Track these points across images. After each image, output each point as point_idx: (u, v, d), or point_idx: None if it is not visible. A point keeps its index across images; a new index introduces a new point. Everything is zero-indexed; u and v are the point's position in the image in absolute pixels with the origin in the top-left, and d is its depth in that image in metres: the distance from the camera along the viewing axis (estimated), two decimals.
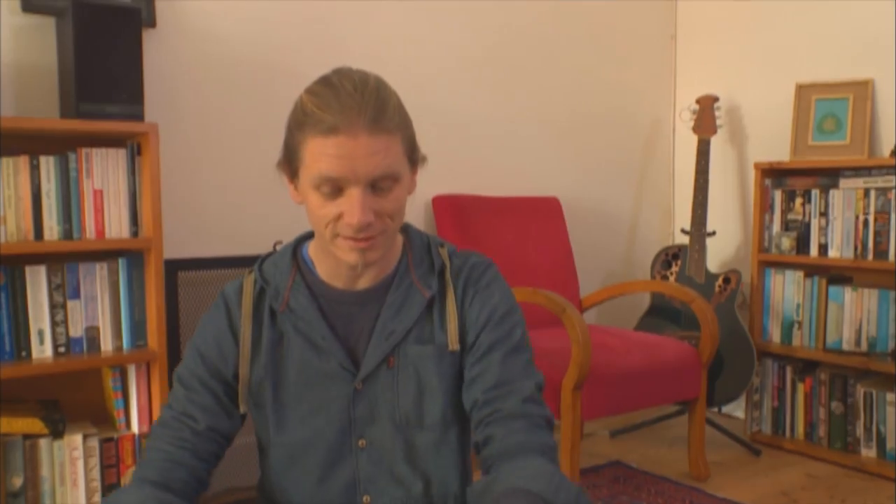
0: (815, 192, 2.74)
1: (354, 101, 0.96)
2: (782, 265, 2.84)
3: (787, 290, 2.81)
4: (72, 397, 2.03)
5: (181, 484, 1.06)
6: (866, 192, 2.61)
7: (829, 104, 2.78)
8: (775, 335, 2.84)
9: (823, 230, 2.72)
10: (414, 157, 1.05)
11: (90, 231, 1.90)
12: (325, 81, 1.00)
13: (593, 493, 2.34)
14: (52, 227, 1.86)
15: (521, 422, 1.07)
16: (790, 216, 2.81)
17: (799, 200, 2.79)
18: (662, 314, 2.91)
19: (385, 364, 1.10)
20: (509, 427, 1.07)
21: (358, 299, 1.11)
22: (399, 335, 1.09)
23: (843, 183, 2.67)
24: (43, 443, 1.88)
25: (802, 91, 2.84)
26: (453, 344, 1.10)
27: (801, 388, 2.77)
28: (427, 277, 1.12)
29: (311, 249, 1.14)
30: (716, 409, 3.13)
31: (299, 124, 0.99)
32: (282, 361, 1.11)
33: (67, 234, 1.88)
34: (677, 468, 2.59)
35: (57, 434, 1.89)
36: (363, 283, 1.11)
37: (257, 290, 1.13)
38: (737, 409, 3.18)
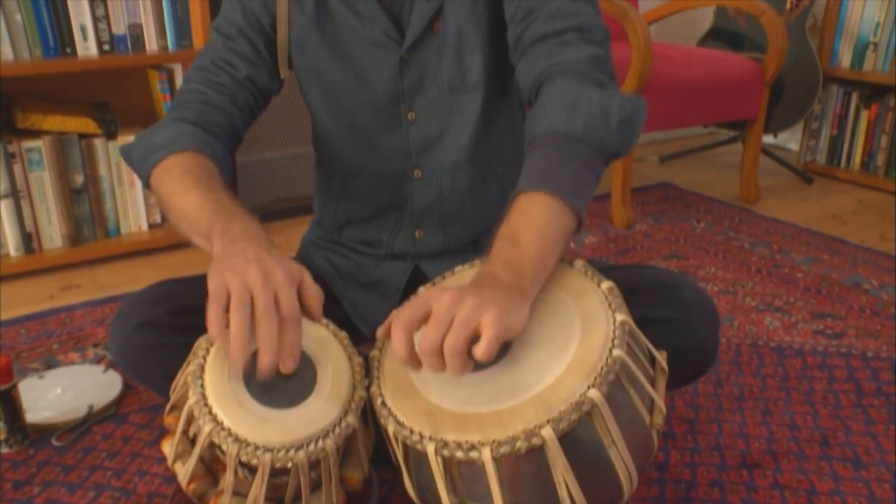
0: None
1: None
2: None
3: (867, 7, 2.59)
4: (121, 101, 2.02)
5: (217, 128, 1.03)
6: None
7: None
8: (845, 59, 2.67)
9: None
10: None
11: None
12: None
13: (642, 210, 2.35)
14: None
15: (545, 45, 0.96)
16: None
17: None
18: (724, 37, 2.74)
19: (430, 29, 1.02)
20: (532, 56, 0.97)
21: None
22: None
23: None
24: (98, 142, 1.89)
25: None
26: None
27: (864, 115, 2.66)
28: None
29: None
30: (770, 137, 3.05)
31: None
32: (325, 29, 1.04)
33: None
34: (726, 191, 2.58)
35: (110, 134, 1.90)
36: None
37: None
38: (790, 140, 3.10)
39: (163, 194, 0.96)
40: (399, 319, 0.76)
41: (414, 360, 0.77)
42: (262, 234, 0.86)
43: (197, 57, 1.07)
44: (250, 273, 0.78)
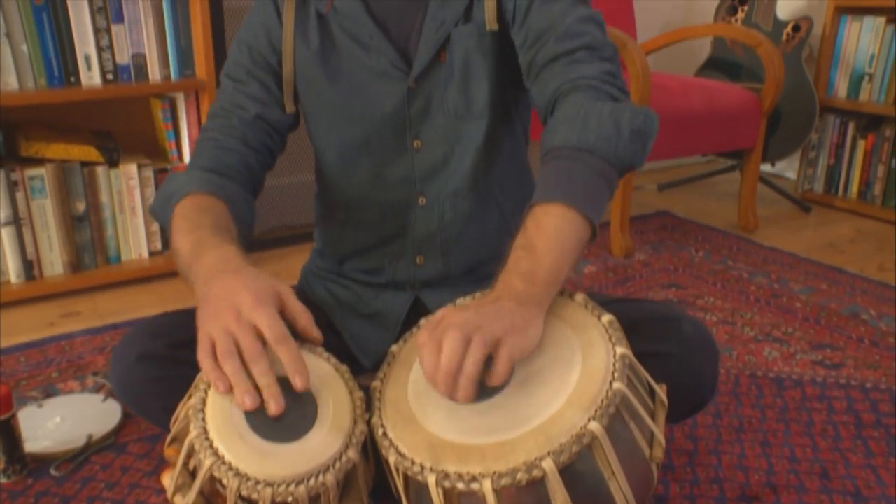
0: None
1: None
2: (861, 11, 2.63)
3: (862, 39, 2.62)
4: (124, 130, 2.04)
5: (231, 170, 1.05)
6: None
7: None
8: (841, 90, 2.70)
9: None
10: None
11: None
12: None
13: (640, 239, 2.36)
14: None
15: (557, 65, 0.98)
16: None
17: None
18: (722, 67, 2.77)
19: (437, 59, 1.04)
20: (545, 77, 0.98)
21: None
22: (450, 24, 1.02)
23: None
24: (100, 170, 1.91)
25: None
26: (491, 23, 1.02)
27: (861, 144, 2.68)
28: None
29: None
30: (768, 166, 3.07)
31: None
32: (330, 62, 1.06)
33: None
34: (725, 220, 2.59)
35: (112, 163, 1.91)
36: None
37: None
38: (788, 169, 3.12)
39: (171, 242, 0.98)
40: (430, 341, 0.78)
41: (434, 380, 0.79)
42: (232, 259, 0.87)
43: (211, 105, 1.10)
44: (224, 316, 0.80)
